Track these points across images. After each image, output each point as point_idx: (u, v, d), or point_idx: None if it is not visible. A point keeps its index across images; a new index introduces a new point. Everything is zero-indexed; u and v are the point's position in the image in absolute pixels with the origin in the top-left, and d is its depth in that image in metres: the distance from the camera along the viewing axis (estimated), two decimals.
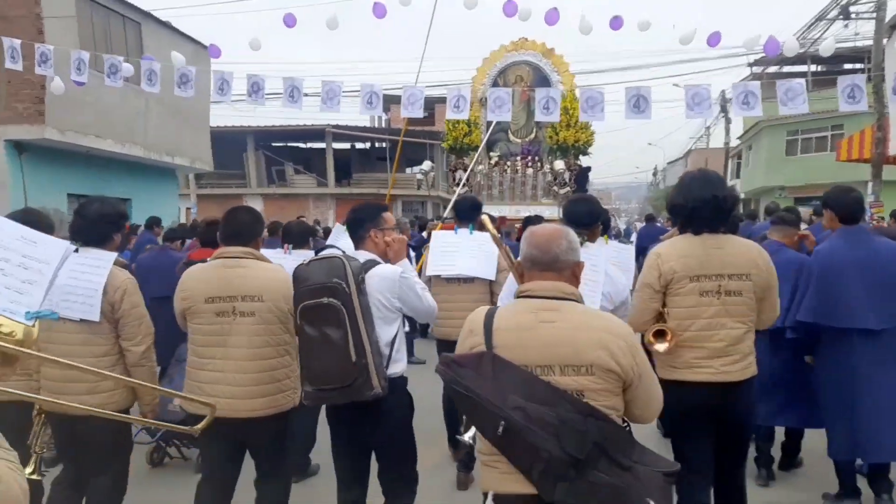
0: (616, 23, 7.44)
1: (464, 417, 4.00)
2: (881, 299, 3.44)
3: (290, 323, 2.94)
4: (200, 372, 2.94)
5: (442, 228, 5.50)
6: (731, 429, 2.85)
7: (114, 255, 2.97)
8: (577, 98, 9.64)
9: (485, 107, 10.31)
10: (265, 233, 6.67)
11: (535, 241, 2.05)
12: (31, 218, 2.86)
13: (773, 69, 24.23)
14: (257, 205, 27.08)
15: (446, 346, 3.09)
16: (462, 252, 4.37)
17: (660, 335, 2.80)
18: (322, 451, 4.55)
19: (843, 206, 3.65)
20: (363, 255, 2.91)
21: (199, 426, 2.35)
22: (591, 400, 1.84)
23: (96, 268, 2.88)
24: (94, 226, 2.98)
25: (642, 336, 2.72)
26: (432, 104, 31.30)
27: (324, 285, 2.69)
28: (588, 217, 3.22)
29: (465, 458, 4.21)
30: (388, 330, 2.83)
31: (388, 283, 2.81)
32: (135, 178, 14.83)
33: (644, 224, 11.53)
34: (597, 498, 1.75)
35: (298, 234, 4.66)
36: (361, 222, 3.00)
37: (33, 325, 1.57)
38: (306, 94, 7.21)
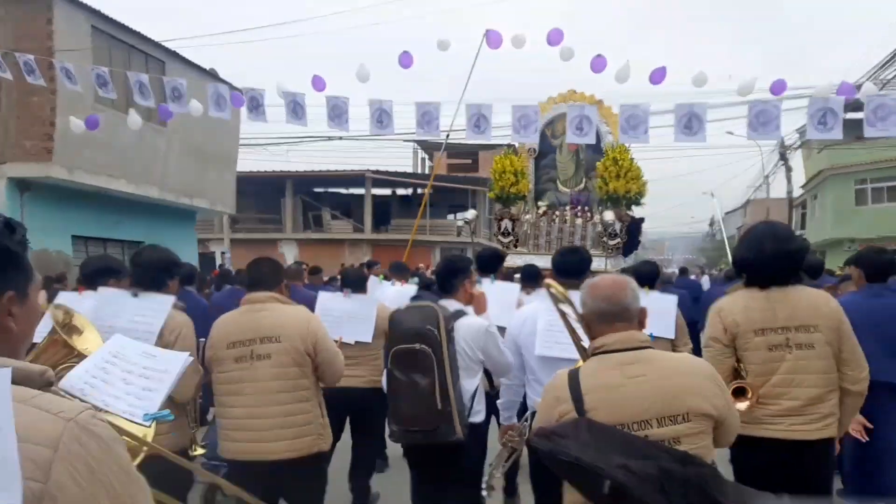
0: (657, 76, 7.03)
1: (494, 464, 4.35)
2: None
3: (308, 367, 3.16)
4: (224, 420, 3.19)
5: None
6: (803, 491, 2.82)
7: (171, 298, 3.20)
8: (627, 148, 9.96)
9: (532, 157, 10.71)
10: (305, 274, 7.12)
11: (602, 293, 2.12)
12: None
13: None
14: (292, 249, 27.86)
15: None
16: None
17: (740, 393, 2.80)
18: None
19: (871, 265, 3.76)
20: (453, 304, 3.23)
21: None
22: (687, 445, 1.94)
23: (154, 311, 3.09)
24: (147, 272, 3.23)
25: None
26: (476, 150, 32.09)
27: (417, 331, 3.00)
28: (578, 266, 3.45)
29: (508, 487, 4.57)
30: (471, 382, 3.14)
31: (475, 333, 3.12)
32: (149, 220, 14.58)
33: (679, 277, 11.70)
34: None
35: (356, 280, 5.14)
36: (456, 273, 3.34)
37: (150, 426, 1.94)
38: (341, 138, 7.37)
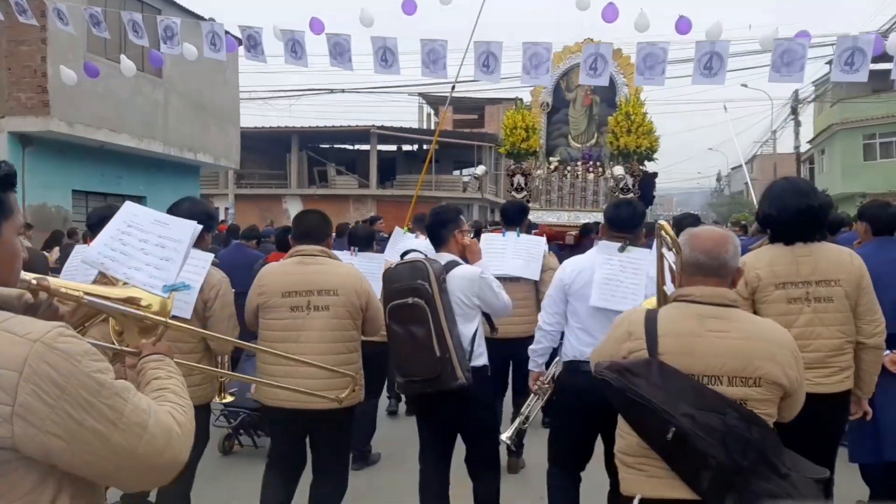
0: (683, 25, 6.63)
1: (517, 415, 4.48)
2: None
3: (359, 319, 3.32)
4: (272, 367, 3.26)
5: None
6: (818, 444, 2.85)
7: (211, 255, 3.24)
8: (641, 102, 9.92)
9: (545, 112, 10.69)
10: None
11: (702, 245, 2.07)
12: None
13: None
14: (296, 205, 27.93)
15: (490, 343, 3.48)
16: (508, 253, 4.89)
17: None
18: (383, 441, 5.22)
19: (878, 219, 3.80)
20: (444, 257, 3.35)
21: (343, 395, 2.65)
22: (753, 409, 1.95)
23: (196, 266, 3.07)
24: None
25: None
26: (482, 105, 31.84)
27: (409, 286, 3.15)
28: (631, 220, 3.43)
29: (513, 445, 4.62)
30: (469, 326, 3.26)
31: (468, 282, 3.25)
32: (151, 175, 14.45)
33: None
34: None
35: (364, 238, 5.21)
36: (445, 223, 3.44)
37: (169, 298, 1.84)
38: (343, 91, 6.99)
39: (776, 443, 1.94)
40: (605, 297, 3.24)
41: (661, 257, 2.48)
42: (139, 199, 13.98)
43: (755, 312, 2.90)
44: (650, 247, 3.22)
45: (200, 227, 2.32)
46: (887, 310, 3.18)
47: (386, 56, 6.68)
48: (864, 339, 2.89)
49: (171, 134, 14.37)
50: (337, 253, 5.07)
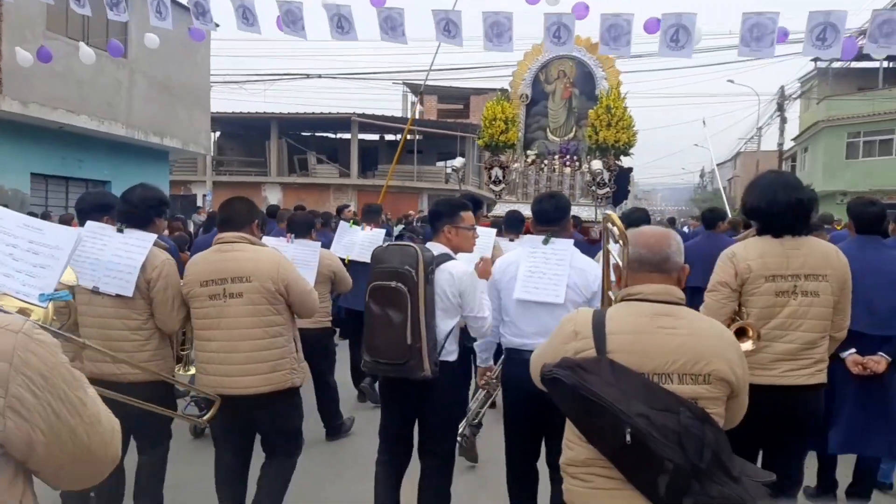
0: (652, 25, 6.34)
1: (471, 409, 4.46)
2: (877, 303, 3.52)
3: (281, 304, 3.27)
4: (201, 353, 3.31)
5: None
6: (788, 435, 2.96)
7: (154, 236, 3.31)
8: (621, 96, 9.90)
9: (524, 103, 10.64)
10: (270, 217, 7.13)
11: (645, 240, 2.09)
12: None
13: (838, 64, 24.03)
14: (276, 193, 27.73)
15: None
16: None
17: (741, 333, 2.86)
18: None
19: (860, 217, 3.83)
20: (437, 248, 3.32)
21: (207, 416, 2.75)
22: (704, 408, 1.91)
23: (137, 247, 3.22)
24: (136, 209, 3.32)
25: None
26: (468, 96, 31.70)
27: (395, 270, 3.13)
28: (555, 213, 3.48)
29: (465, 442, 4.65)
30: (448, 322, 3.25)
31: (457, 278, 3.22)
32: (115, 159, 14.06)
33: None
34: None
35: (301, 224, 5.26)
36: (439, 216, 3.42)
37: (46, 307, 1.80)
38: (322, 76, 6.55)
39: (727, 445, 1.90)
40: (527, 290, 3.30)
41: (606, 253, 2.44)
42: (103, 184, 13.75)
43: (741, 304, 2.95)
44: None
45: (80, 236, 2.31)
46: (860, 309, 3.24)
47: (342, 23, 6.45)
48: (835, 334, 3.01)
49: (134, 116, 13.97)
50: (273, 240, 5.02)
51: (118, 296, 3.20)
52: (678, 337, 1.94)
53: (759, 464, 2.98)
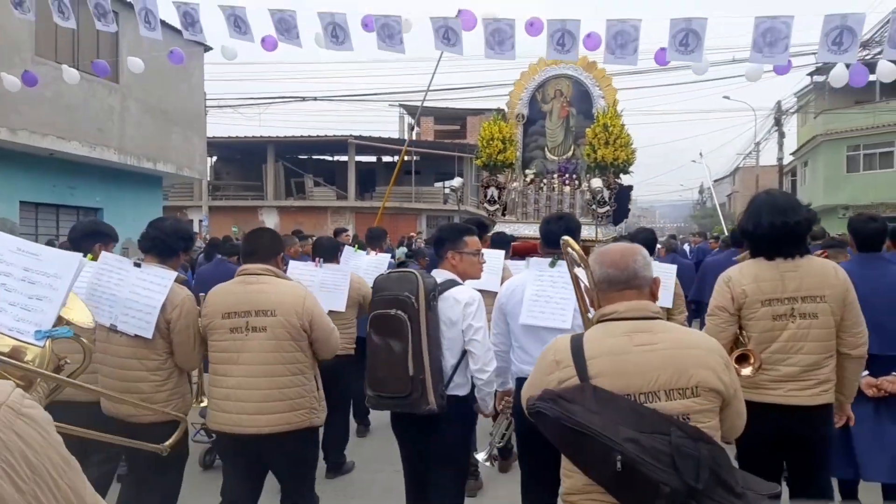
0: (662, 57, 6.22)
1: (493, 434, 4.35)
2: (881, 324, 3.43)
3: (304, 341, 3.15)
4: (215, 389, 3.16)
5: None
6: (800, 454, 2.93)
7: (174, 273, 3.23)
8: (618, 114, 9.84)
9: (521, 123, 10.58)
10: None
11: (610, 259, 2.06)
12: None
13: (838, 84, 24.05)
14: (272, 217, 27.66)
15: None
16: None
17: (743, 359, 2.85)
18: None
19: (860, 234, 3.76)
20: (443, 275, 3.19)
21: (167, 443, 2.56)
22: (696, 422, 1.86)
23: (157, 285, 3.11)
24: (166, 239, 3.26)
25: None
26: (464, 116, 31.80)
27: (395, 297, 3.01)
28: (564, 234, 3.41)
29: (472, 469, 4.55)
30: (456, 353, 3.09)
31: (462, 305, 3.08)
32: (108, 186, 13.84)
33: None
34: None
35: (328, 249, 5.18)
36: (442, 242, 3.31)
37: (43, 346, 1.57)
38: (317, 98, 6.81)
39: (727, 460, 1.84)
40: (533, 315, 3.22)
41: (575, 280, 2.39)
42: (95, 211, 13.59)
43: (741, 328, 2.92)
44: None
45: (87, 259, 2.10)
46: (868, 331, 3.14)
47: (336, 33, 6.35)
48: (849, 351, 2.91)
49: (126, 142, 13.81)
50: (300, 264, 5.01)
51: (136, 335, 3.10)
52: (658, 352, 1.90)
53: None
